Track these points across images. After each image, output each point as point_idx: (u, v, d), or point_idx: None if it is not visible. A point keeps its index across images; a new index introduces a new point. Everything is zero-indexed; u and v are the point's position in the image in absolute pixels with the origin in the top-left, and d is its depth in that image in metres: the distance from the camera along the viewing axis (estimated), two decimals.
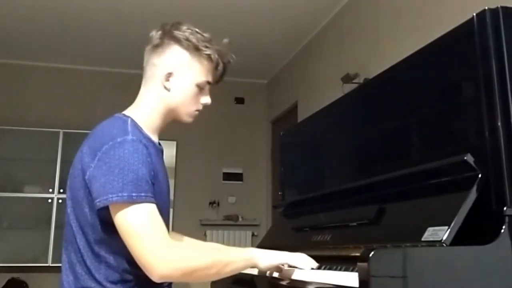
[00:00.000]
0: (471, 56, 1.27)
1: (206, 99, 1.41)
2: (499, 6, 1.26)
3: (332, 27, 4.15)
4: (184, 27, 1.36)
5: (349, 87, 3.21)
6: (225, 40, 1.40)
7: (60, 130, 4.97)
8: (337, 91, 3.35)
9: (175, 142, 5.33)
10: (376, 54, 3.29)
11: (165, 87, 1.34)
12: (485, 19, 1.25)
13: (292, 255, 1.34)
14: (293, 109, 4.86)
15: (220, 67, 1.39)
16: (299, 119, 4.39)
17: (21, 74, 5.19)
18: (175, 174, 5.25)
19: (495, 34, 1.23)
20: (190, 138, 5.29)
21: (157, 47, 1.35)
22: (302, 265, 1.32)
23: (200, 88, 1.38)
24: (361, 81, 3.29)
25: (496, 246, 1.09)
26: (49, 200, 4.84)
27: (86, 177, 1.20)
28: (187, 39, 1.34)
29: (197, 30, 1.37)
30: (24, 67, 5.20)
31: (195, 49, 1.34)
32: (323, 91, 4.04)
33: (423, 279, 1.05)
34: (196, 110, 1.41)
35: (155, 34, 1.36)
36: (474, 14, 1.27)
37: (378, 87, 1.79)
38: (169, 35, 1.35)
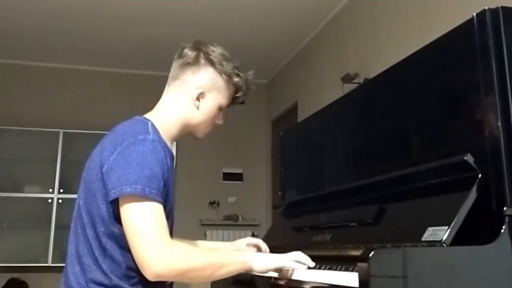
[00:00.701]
0: (471, 56, 1.27)
1: (221, 121, 1.50)
2: (499, 6, 1.26)
3: (332, 27, 4.14)
4: (219, 52, 1.43)
5: (349, 87, 3.21)
6: (251, 72, 1.50)
7: (60, 130, 4.96)
8: (337, 91, 3.35)
9: (175, 142, 5.32)
10: (376, 54, 3.29)
11: (194, 105, 1.41)
12: (485, 19, 1.25)
13: (287, 257, 1.34)
14: (293, 109, 4.85)
15: (241, 95, 1.49)
16: (299, 119, 4.39)
17: (21, 74, 5.18)
18: (175, 174, 5.25)
19: (495, 34, 1.23)
20: (190, 138, 5.28)
21: (191, 65, 1.41)
22: (297, 267, 1.32)
23: (220, 109, 1.46)
24: (361, 81, 3.29)
25: (496, 246, 1.09)
26: (49, 200, 4.81)
27: (104, 170, 1.24)
28: (221, 64, 1.42)
29: (228, 55, 1.45)
30: (24, 67, 5.19)
31: (227, 75, 1.43)
32: (323, 91, 4.04)
33: (423, 279, 1.05)
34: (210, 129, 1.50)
35: (190, 52, 1.42)
36: (474, 14, 1.27)
37: (378, 87, 1.79)
38: (205, 56, 1.41)
